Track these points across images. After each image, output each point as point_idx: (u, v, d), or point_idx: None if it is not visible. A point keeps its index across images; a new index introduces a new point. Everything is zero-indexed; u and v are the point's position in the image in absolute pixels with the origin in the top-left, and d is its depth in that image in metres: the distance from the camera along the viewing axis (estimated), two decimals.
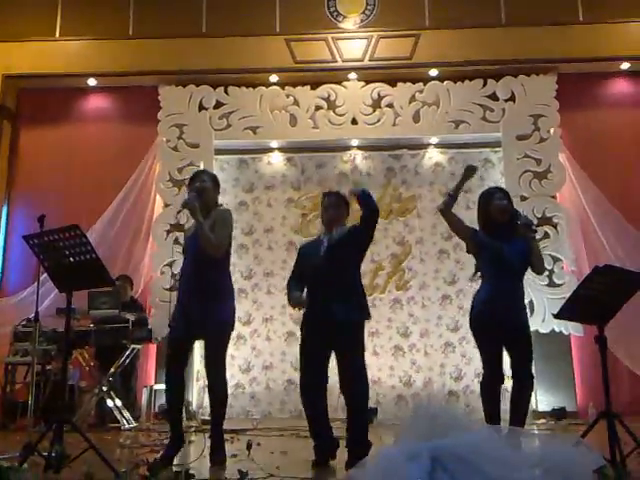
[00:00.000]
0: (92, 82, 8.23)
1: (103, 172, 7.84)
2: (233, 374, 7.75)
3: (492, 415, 3.77)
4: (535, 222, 7.41)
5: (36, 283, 4.91)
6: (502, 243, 3.90)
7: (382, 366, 7.66)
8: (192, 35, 8.09)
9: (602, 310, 3.54)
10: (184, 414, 6.80)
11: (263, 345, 7.89)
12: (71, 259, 3.58)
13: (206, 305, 3.85)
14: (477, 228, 4.12)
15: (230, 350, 7.62)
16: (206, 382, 3.93)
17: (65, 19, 8.24)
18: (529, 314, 7.37)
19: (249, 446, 3.33)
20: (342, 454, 3.81)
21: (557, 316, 3.80)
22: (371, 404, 7.09)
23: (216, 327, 3.89)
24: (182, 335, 3.90)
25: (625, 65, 7.85)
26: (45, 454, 3.34)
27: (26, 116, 8.32)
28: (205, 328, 3.86)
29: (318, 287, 3.94)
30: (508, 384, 3.92)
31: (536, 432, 5.59)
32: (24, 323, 6.55)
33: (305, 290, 4.04)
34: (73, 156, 8.08)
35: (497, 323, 3.80)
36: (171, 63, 7.97)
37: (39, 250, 3.65)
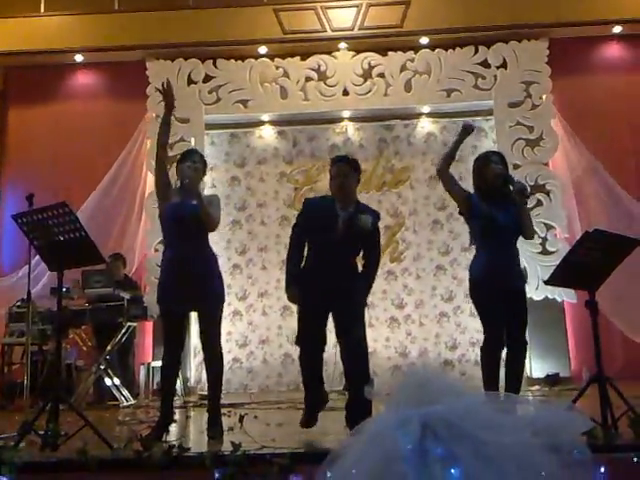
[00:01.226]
0: (79, 58, 8.13)
1: (93, 149, 7.79)
2: (230, 349, 7.80)
3: (491, 381, 3.78)
4: (529, 188, 7.42)
5: (30, 263, 4.92)
6: (496, 209, 3.87)
7: (378, 337, 7.70)
8: (179, 7, 7.98)
9: (593, 275, 3.53)
10: (182, 390, 6.93)
11: (259, 320, 7.92)
12: (60, 237, 3.56)
13: (199, 279, 3.84)
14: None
15: (227, 325, 7.80)
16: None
17: None
18: None
19: (241, 419, 3.36)
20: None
21: (548, 282, 3.80)
22: None
23: (211, 300, 3.89)
24: (177, 308, 3.90)
25: (617, 29, 7.77)
26: (42, 433, 3.36)
27: (14, 94, 8.25)
28: (200, 301, 3.85)
29: (326, 260, 3.82)
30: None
31: (528, 398, 5.64)
32: (19, 304, 6.55)
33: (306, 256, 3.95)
34: (62, 133, 8.01)
35: (497, 289, 3.78)
36: (158, 37, 7.86)
37: (28, 229, 3.63)
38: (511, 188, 3.90)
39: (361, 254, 4.00)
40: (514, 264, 3.93)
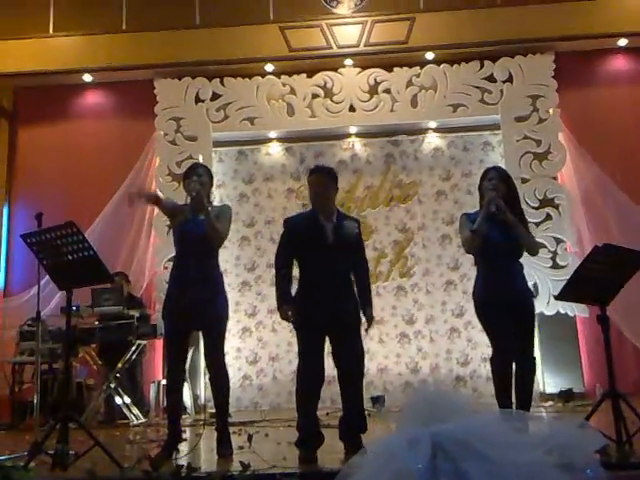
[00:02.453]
0: (87, 78, 8.20)
1: (102, 168, 7.84)
2: (240, 366, 7.78)
3: (503, 397, 3.74)
4: (537, 204, 7.42)
5: (41, 282, 4.93)
6: (495, 226, 3.83)
7: (388, 354, 7.66)
8: (186, 27, 8.03)
9: (603, 290, 3.50)
10: (193, 408, 6.91)
11: (269, 336, 7.89)
12: (69, 256, 3.58)
13: (204, 297, 3.84)
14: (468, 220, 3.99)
15: (236, 342, 7.79)
16: None
17: (58, 15, 8.18)
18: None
19: (250, 438, 3.33)
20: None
21: (558, 297, 3.77)
22: (378, 392, 7.18)
23: (215, 319, 3.89)
24: (180, 327, 3.89)
25: (622, 42, 7.75)
26: (52, 452, 3.35)
27: (23, 114, 8.32)
28: (204, 320, 3.85)
29: (321, 276, 3.78)
30: None
31: (539, 414, 5.58)
32: (30, 322, 6.55)
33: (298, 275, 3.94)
34: (72, 153, 8.08)
35: (499, 306, 3.75)
36: (166, 56, 7.91)
37: (37, 248, 3.66)
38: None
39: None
40: (515, 280, 3.88)
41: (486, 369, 7.31)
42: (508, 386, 3.75)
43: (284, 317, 3.83)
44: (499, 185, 3.91)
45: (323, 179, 3.92)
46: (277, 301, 3.88)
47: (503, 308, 3.75)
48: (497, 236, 3.82)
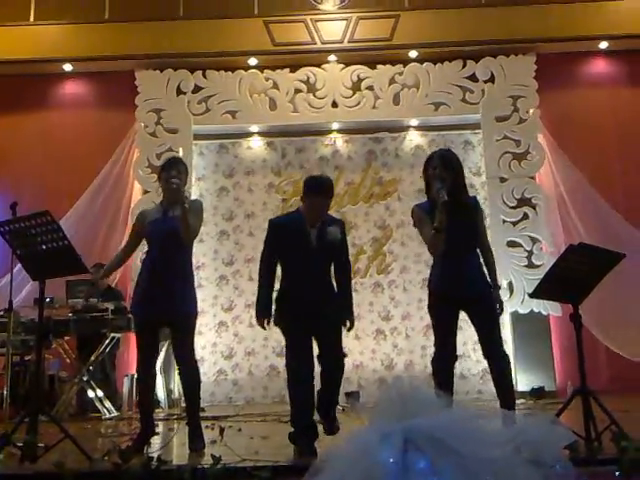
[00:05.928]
0: (68, 67, 8.12)
1: (80, 159, 7.75)
2: (216, 360, 7.76)
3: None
4: (514, 203, 7.49)
5: (12, 272, 4.86)
6: (449, 217, 3.53)
7: (364, 350, 7.69)
8: (169, 18, 7.98)
9: (577, 289, 3.53)
10: (166, 402, 6.86)
11: (245, 331, 7.87)
12: (43, 246, 3.52)
13: (173, 292, 3.81)
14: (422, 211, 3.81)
15: (212, 337, 7.75)
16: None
17: (39, 3, 8.10)
18: (508, 295, 7.41)
19: (222, 432, 3.32)
20: None
21: (532, 295, 3.79)
22: (353, 388, 7.20)
23: (183, 315, 3.85)
24: (149, 321, 3.86)
25: (603, 44, 7.87)
26: (21, 444, 3.30)
27: (1, 102, 8.17)
28: (171, 316, 3.82)
29: (304, 278, 3.80)
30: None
31: (511, 411, 5.60)
32: (1, 314, 6.45)
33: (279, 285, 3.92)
34: (49, 143, 7.99)
35: (448, 299, 3.56)
36: (148, 47, 7.86)
37: (10, 237, 3.59)
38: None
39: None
40: (469, 272, 3.62)
41: (460, 366, 7.35)
42: (446, 383, 3.46)
43: (260, 324, 3.81)
44: (443, 174, 3.63)
45: (327, 202, 3.87)
46: (257, 308, 3.84)
47: (453, 301, 3.56)
48: (452, 228, 3.55)
